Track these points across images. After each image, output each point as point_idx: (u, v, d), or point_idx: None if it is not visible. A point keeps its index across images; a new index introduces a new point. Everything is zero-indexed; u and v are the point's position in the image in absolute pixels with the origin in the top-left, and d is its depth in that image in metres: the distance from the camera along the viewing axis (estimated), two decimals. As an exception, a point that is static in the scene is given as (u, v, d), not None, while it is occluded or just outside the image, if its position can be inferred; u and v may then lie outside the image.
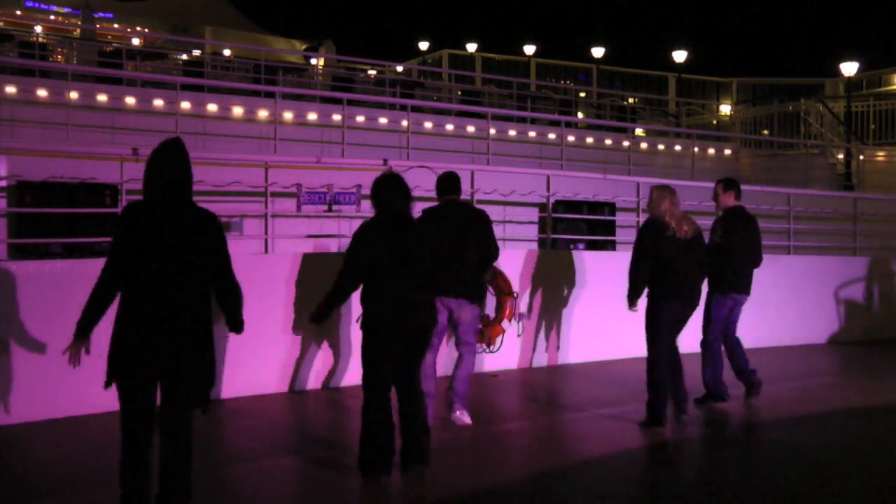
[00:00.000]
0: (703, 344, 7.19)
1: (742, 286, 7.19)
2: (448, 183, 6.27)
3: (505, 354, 8.38)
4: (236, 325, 4.08)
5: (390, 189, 5.01)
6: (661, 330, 6.32)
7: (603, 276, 9.18)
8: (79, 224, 7.74)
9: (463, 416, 6.20)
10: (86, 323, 3.85)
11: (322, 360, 7.56)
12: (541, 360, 8.93)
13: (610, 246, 10.77)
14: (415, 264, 4.94)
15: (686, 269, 6.34)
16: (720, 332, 7.19)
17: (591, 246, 10.39)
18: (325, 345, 7.54)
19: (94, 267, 6.70)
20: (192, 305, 3.76)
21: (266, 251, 8.47)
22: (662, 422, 6.24)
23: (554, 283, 8.95)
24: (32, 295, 6.16)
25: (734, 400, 7.18)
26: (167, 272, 3.72)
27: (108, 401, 6.37)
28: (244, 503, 4.73)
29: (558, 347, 9.05)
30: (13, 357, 6.09)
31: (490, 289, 8.36)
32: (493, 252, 6.22)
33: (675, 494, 4.98)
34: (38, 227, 7.70)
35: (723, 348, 7.28)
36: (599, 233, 10.64)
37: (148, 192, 3.83)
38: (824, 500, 4.84)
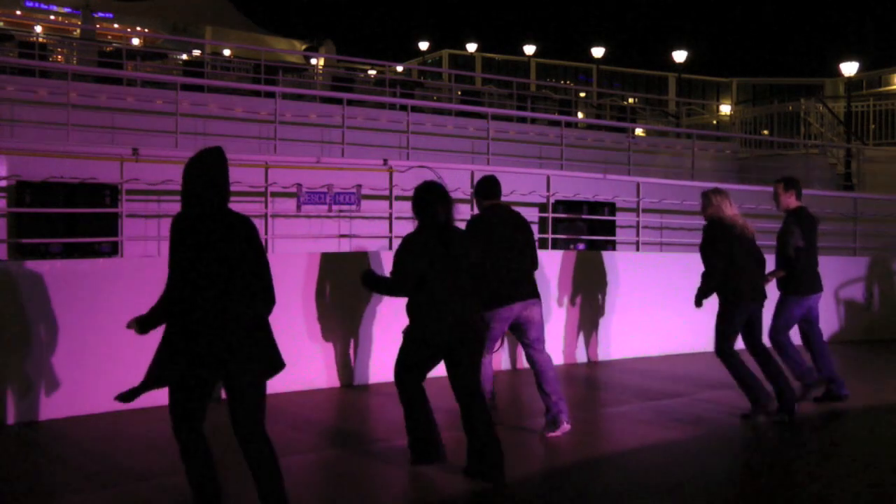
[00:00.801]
0: (778, 345, 7.11)
1: (818, 285, 7.28)
2: (491, 187, 6.28)
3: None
4: None
5: (432, 199, 4.96)
6: (736, 329, 6.56)
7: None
8: (79, 224, 7.74)
9: (564, 426, 6.03)
10: (151, 318, 3.99)
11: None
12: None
13: (610, 246, 10.76)
14: (463, 274, 4.91)
15: (754, 267, 6.59)
16: (789, 331, 7.22)
17: (592, 246, 10.39)
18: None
19: (94, 267, 6.77)
20: (233, 309, 3.78)
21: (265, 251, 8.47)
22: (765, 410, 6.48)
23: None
24: (32, 295, 6.16)
25: (725, 401, 7.19)
26: (207, 278, 3.77)
27: (109, 401, 6.40)
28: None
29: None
30: (14, 357, 6.09)
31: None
32: (537, 260, 6.29)
33: (674, 493, 4.98)
34: (38, 227, 7.70)
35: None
36: (599, 233, 10.64)
37: (186, 201, 3.90)
38: (825, 500, 4.84)
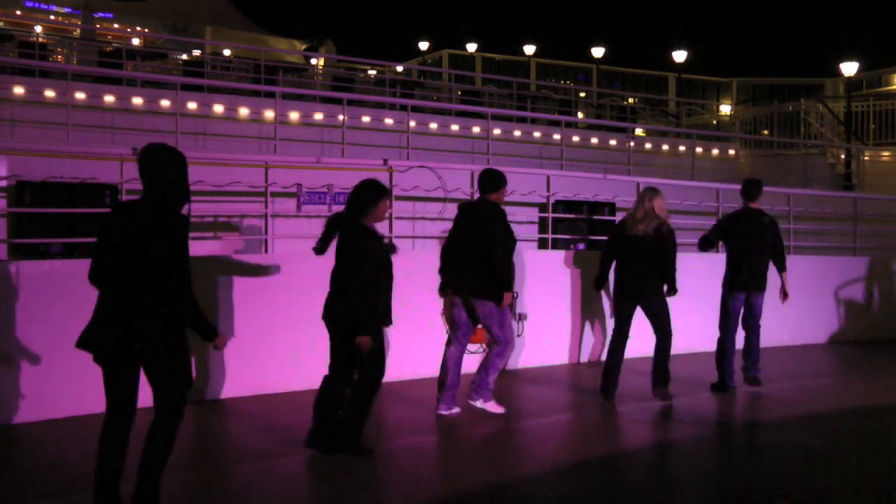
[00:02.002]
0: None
1: (750, 284, 7.53)
2: (480, 180, 6.62)
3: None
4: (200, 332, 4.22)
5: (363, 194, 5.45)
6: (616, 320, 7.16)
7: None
8: (79, 224, 7.73)
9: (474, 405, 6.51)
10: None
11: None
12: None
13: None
14: (345, 264, 5.34)
15: (635, 268, 6.93)
16: (731, 326, 7.61)
17: (592, 246, 10.39)
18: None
19: (94, 267, 6.76)
20: (154, 299, 3.96)
21: (266, 251, 8.47)
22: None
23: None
24: (32, 295, 6.16)
25: (724, 402, 7.20)
26: (136, 268, 3.96)
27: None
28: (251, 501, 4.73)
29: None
30: (14, 357, 6.09)
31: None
32: (495, 252, 6.30)
33: (674, 493, 4.98)
34: (38, 227, 7.69)
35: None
36: (599, 233, 10.63)
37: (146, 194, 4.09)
38: (824, 500, 4.84)
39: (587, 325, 9.19)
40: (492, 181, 6.52)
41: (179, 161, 4.13)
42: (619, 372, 7.09)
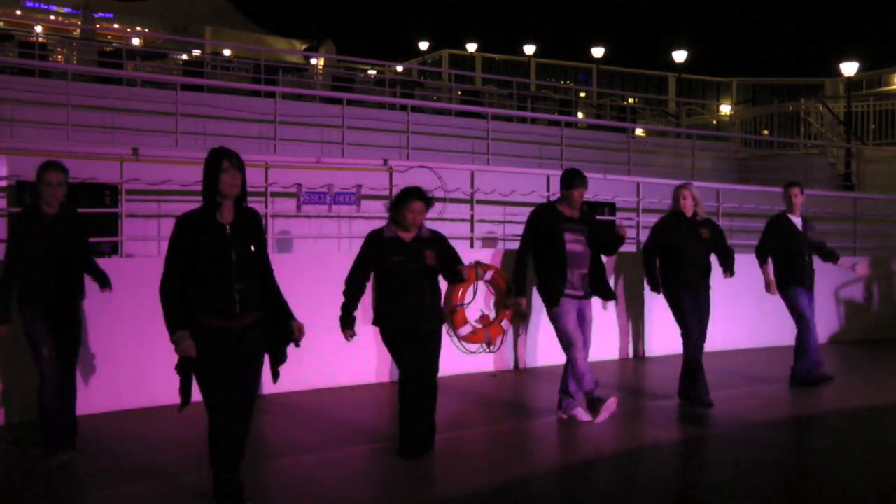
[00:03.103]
0: None
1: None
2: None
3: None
4: None
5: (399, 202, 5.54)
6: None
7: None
8: (78, 224, 7.72)
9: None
10: None
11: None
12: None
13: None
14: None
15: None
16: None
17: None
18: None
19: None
20: None
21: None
22: None
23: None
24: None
25: (725, 401, 7.19)
26: None
27: (107, 401, 6.41)
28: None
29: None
30: (15, 358, 6.09)
31: (489, 287, 8.37)
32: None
33: (674, 493, 4.98)
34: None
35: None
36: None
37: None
38: (824, 500, 4.84)
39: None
40: (561, 180, 6.60)
41: (206, 164, 4.33)
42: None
